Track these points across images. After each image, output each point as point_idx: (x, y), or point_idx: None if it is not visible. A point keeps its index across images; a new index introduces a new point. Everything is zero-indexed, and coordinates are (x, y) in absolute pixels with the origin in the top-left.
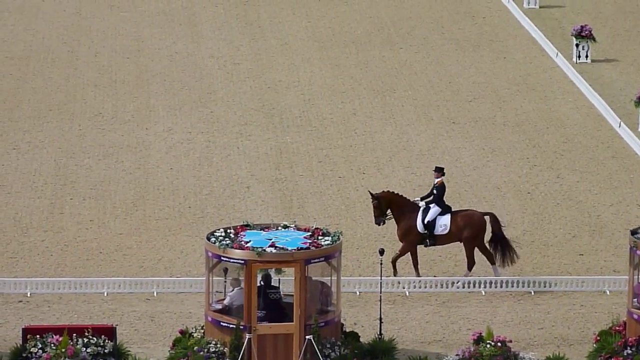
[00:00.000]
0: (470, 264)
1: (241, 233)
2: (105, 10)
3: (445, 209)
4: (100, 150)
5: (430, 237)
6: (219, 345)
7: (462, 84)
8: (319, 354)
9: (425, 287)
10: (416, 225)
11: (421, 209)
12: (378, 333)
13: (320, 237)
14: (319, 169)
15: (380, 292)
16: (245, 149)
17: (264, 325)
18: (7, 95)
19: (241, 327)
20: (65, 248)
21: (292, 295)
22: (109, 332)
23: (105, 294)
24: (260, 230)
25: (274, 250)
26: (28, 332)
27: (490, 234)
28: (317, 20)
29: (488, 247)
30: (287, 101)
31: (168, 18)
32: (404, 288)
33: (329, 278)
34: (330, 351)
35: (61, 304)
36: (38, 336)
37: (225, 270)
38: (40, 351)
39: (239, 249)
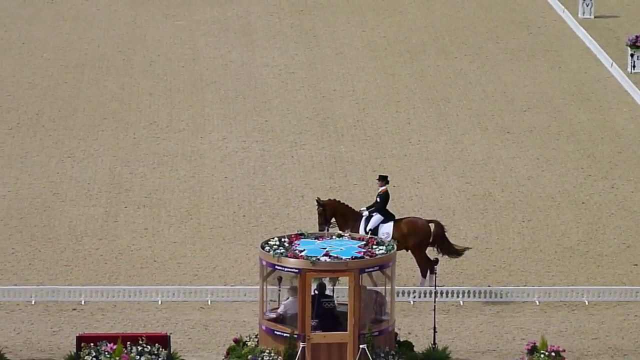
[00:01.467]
0: (424, 270)
1: (295, 242)
2: (160, 18)
3: (387, 217)
4: (155, 159)
5: None
6: (272, 354)
7: (516, 94)
8: None
9: (479, 296)
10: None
11: (364, 217)
12: (432, 342)
13: (374, 246)
14: (373, 178)
15: (435, 302)
16: (300, 158)
17: (318, 334)
18: (63, 103)
19: (295, 336)
20: (120, 256)
21: (346, 304)
22: (163, 340)
23: (160, 302)
24: (315, 239)
25: (328, 259)
26: (82, 340)
27: (436, 243)
28: (372, 29)
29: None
30: (342, 110)
31: (223, 27)
32: (458, 298)
33: (383, 287)
34: None
35: (115, 312)
36: (92, 344)
37: (280, 279)
38: (94, 359)
39: (293, 257)
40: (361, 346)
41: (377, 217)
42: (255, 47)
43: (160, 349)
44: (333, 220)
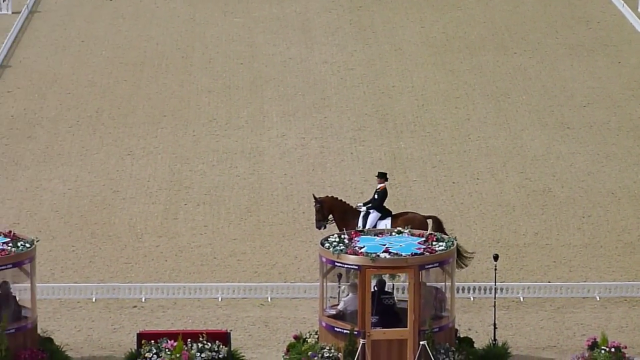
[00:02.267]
0: None
1: (355, 239)
2: (219, 16)
3: (385, 214)
4: (215, 156)
5: None
6: (333, 351)
7: (576, 89)
8: (433, 359)
9: (540, 292)
10: None
11: (361, 214)
12: (492, 339)
13: (434, 243)
14: (432, 174)
15: (495, 298)
16: (359, 155)
17: (377, 331)
18: (122, 101)
19: (355, 332)
20: (180, 253)
21: (406, 301)
22: (223, 337)
23: (220, 300)
24: (374, 235)
25: (388, 256)
26: (143, 337)
27: None
28: (431, 25)
29: None
30: (401, 106)
31: (282, 24)
32: (518, 294)
33: (443, 283)
34: (444, 357)
35: (175, 309)
36: (153, 341)
37: (339, 276)
38: (155, 356)
39: (353, 254)
40: (421, 342)
41: (375, 215)
42: (314, 44)
43: (221, 346)
44: (330, 216)
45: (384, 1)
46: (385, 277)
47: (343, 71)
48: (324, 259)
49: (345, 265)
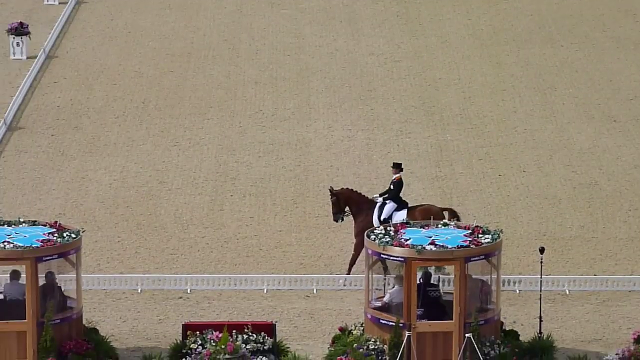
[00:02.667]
0: None
1: (401, 231)
2: (266, 7)
3: (401, 205)
4: (261, 148)
5: None
6: (378, 343)
7: (623, 82)
8: (478, 352)
9: (586, 285)
10: (372, 223)
11: (377, 205)
12: (538, 332)
13: (480, 235)
14: (479, 167)
15: (541, 291)
16: (406, 147)
17: (423, 323)
18: (169, 92)
19: (401, 324)
20: (226, 245)
21: (452, 294)
22: (269, 329)
23: (265, 291)
24: (421, 228)
25: (434, 248)
26: (188, 329)
27: None
28: (478, 17)
29: None
30: (448, 99)
31: (329, 15)
32: (564, 287)
33: (489, 276)
34: (490, 350)
35: (221, 301)
36: (198, 332)
37: (385, 268)
38: (201, 347)
39: (399, 246)
40: (467, 335)
41: (391, 205)
42: (361, 36)
43: (266, 338)
44: (347, 209)
45: None
46: (431, 270)
47: (390, 63)
48: (370, 251)
49: (392, 258)
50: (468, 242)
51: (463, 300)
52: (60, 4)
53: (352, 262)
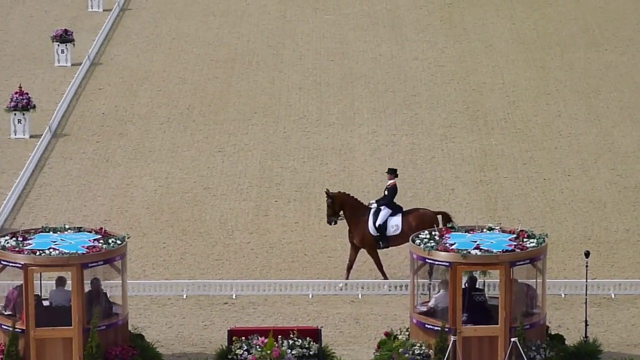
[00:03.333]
0: None
1: (446, 235)
2: (309, 13)
3: (395, 210)
4: (305, 153)
5: (383, 239)
6: (423, 348)
7: None
8: (524, 356)
9: (632, 289)
10: (368, 229)
11: (372, 211)
12: (583, 335)
13: (525, 240)
14: (523, 171)
15: (586, 295)
16: (450, 151)
17: (468, 328)
18: (213, 98)
19: (446, 329)
20: (270, 250)
21: (497, 298)
22: (314, 334)
23: (310, 296)
24: (465, 232)
25: (478, 253)
26: (233, 334)
27: None
28: (522, 21)
29: None
30: (492, 103)
31: (372, 20)
32: (609, 290)
33: (534, 280)
34: (536, 354)
35: (266, 306)
36: (243, 338)
37: (430, 273)
38: (246, 353)
39: (443, 251)
40: (512, 339)
41: (385, 211)
42: (404, 41)
43: (312, 343)
44: (341, 213)
45: None
46: (476, 274)
47: (433, 68)
48: (414, 256)
49: (436, 262)
50: (513, 246)
51: (508, 305)
52: (104, 10)
53: (379, 266)
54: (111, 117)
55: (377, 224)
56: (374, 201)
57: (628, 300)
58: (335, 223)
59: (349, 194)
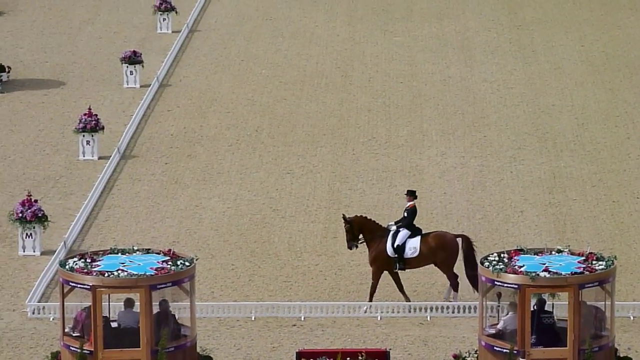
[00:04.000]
0: (454, 284)
1: (515, 257)
2: (378, 35)
3: (415, 232)
4: (374, 175)
5: (400, 260)
6: None
7: None
8: None
9: None
10: (386, 250)
11: (391, 233)
12: None
13: (594, 262)
14: (592, 193)
15: None
16: (519, 173)
17: (537, 350)
18: (282, 119)
19: (515, 351)
20: (339, 272)
21: (566, 320)
22: (383, 356)
23: (379, 318)
24: (534, 254)
25: (547, 275)
26: (302, 356)
27: (463, 258)
28: (591, 44)
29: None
30: (561, 125)
31: (441, 42)
32: None
33: (603, 303)
34: None
35: (335, 328)
36: None
37: (499, 295)
38: None
39: (512, 273)
40: None
41: (404, 232)
42: (473, 63)
43: None
44: (361, 236)
45: (543, 20)
46: (545, 296)
47: (503, 90)
48: (483, 278)
49: (505, 284)
50: (582, 268)
51: (577, 327)
52: (173, 32)
53: (372, 290)
54: (180, 139)
55: (395, 245)
56: (393, 223)
57: None
58: (357, 247)
59: (366, 217)
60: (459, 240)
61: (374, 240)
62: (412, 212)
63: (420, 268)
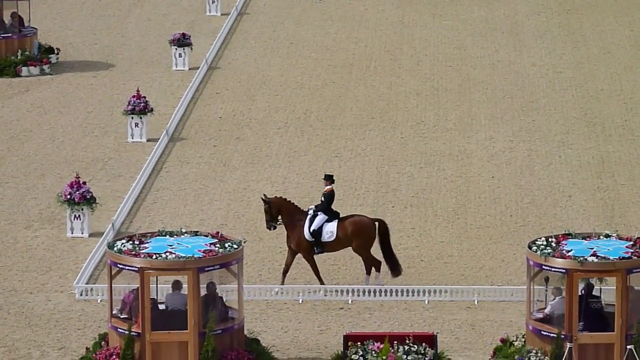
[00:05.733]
0: (375, 265)
1: (563, 242)
2: (427, 18)
3: (332, 216)
4: (422, 159)
5: (318, 244)
6: (539, 354)
7: None
8: None
9: None
10: (304, 234)
11: (309, 216)
12: None
13: None
14: None
15: None
16: (567, 158)
17: (585, 335)
18: (330, 103)
19: (562, 336)
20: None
21: (614, 305)
22: (430, 340)
23: (427, 302)
24: (582, 239)
25: (595, 260)
26: (349, 339)
27: (379, 242)
28: None
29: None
30: (609, 110)
31: (490, 26)
32: None
33: None
34: None
35: (382, 312)
36: (359, 343)
37: (547, 279)
38: (362, 358)
39: (560, 257)
40: (628, 347)
41: (321, 217)
42: (522, 47)
43: (427, 349)
44: (280, 218)
45: (593, 4)
46: (593, 281)
47: (551, 74)
48: (531, 262)
49: (553, 269)
50: (630, 253)
51: (625, 312)
52: (222, 15)
53: (316, 272)
54: (228, 122)
55: (311, 230)
56: (312, 207)
57: None
58: (275, 228)
59: (285, 199)
60: (377, 224)
61: (292, 224)
62: (328, 196)
63: (464, 251)
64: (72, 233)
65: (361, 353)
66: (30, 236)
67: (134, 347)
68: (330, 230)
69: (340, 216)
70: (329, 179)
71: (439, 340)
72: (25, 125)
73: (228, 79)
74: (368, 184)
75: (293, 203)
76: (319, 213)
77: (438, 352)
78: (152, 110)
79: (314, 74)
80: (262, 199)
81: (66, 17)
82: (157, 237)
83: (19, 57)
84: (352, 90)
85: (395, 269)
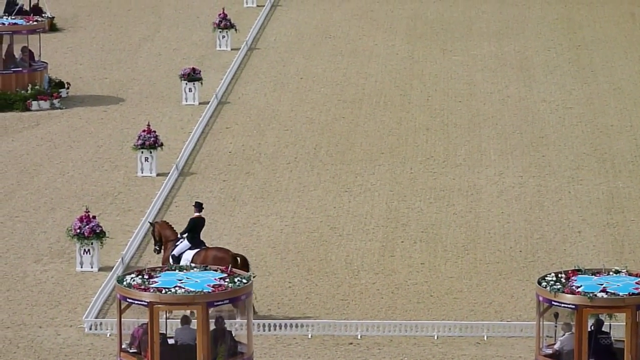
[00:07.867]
0: None
1: (572, 278)
2: (437, 54)
3: (196, 245)
4: (432, 194)
5: None
6: None
7: None
8: None
9: None
10: (169, 258)
11: (178, 243)
12: None
13: None
14: None
15: None
16: (577, 194)
17: None
18: (340, 138)
19: None
20: (396, 291)
21: (623, 341)
22: None
23: (436, 337)
24: (592, 275)
25: (605, 296)
26: None
27: None
28: None
29: None
30: (619, 146)
31: (500, 62)
32: None
33: None
34: None
35: (391, 347)
36: None
37: (556, 315)
38: None
39: (570, 293)
40: None
41: (184, 244)
42: (532, 82)
43: None
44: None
45: (603, 40)
46: (603, 317)
47: (561, 110)
48: (540, 298)
49: (562, 305)
50: (639, 289)
51: (634, 348)
52: (232, 49)
53: None
54: (238, 156)
55: (172, 254)
56: (184, 232)
57: None
58: (158, 252)
59: (167, 223)
60: (238, 259)
61: (166, 246)
62: (192, 222)
63: (474, 287)
64: (81, 267)
65: None
66: (39, 270)
67: None
68: (187, 259)
69: (205, 246)
70: (198, 206)
71: None
72: (35, 160)
73: (238, 114)
74: (377, 219)
75: (171, 227)
76: (182, 240)
77: None
78: (162, 144)
79: (324, 109)
80: (149, 223)
81: (76, 52)
82: (167, 272)
83: (29, 92)
84: (361, 125)
85: None
